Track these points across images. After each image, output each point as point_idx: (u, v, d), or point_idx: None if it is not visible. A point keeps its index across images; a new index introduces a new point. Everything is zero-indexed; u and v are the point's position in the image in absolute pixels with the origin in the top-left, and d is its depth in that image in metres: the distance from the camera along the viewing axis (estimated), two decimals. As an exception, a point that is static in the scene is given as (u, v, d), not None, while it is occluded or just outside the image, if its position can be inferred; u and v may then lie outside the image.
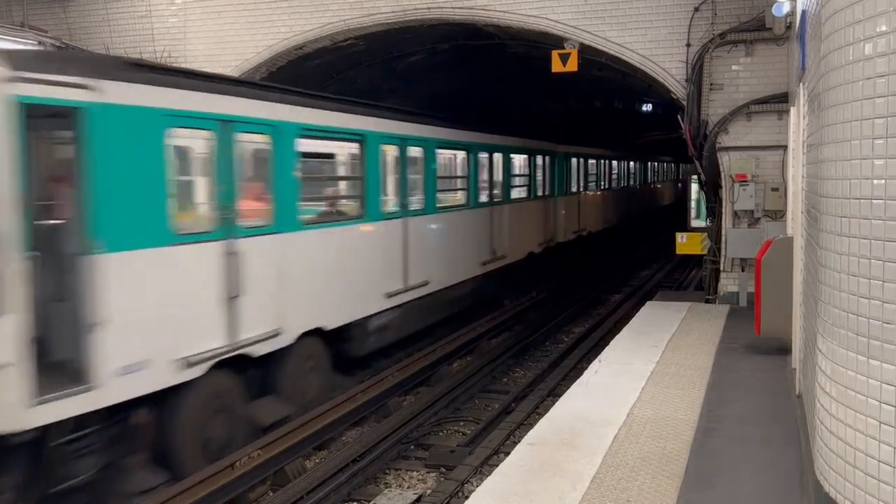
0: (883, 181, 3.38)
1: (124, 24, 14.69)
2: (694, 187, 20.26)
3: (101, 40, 14.51)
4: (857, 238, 3.57)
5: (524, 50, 15.02)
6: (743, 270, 11.94)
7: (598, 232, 23.67)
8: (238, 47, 14.12)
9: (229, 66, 13.93)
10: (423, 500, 7.11)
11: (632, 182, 31.51)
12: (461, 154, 13.94)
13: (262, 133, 8.32)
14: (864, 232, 3.51)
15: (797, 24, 7.17)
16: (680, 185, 44.07)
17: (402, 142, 11.35)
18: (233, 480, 6.79)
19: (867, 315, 3.50)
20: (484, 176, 14.63)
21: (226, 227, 7.57)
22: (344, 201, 10.75)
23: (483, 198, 14.48)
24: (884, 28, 3.34)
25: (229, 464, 6.96)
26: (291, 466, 7.48)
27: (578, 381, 7.89)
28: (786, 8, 8.79)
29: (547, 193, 18.56)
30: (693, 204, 21.50)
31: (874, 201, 3.43)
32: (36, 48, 7.30)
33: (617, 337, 9.92)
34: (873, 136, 3.44)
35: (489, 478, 5.49)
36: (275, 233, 8.34)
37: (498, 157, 15.36)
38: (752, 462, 5.65)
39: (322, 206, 10.14)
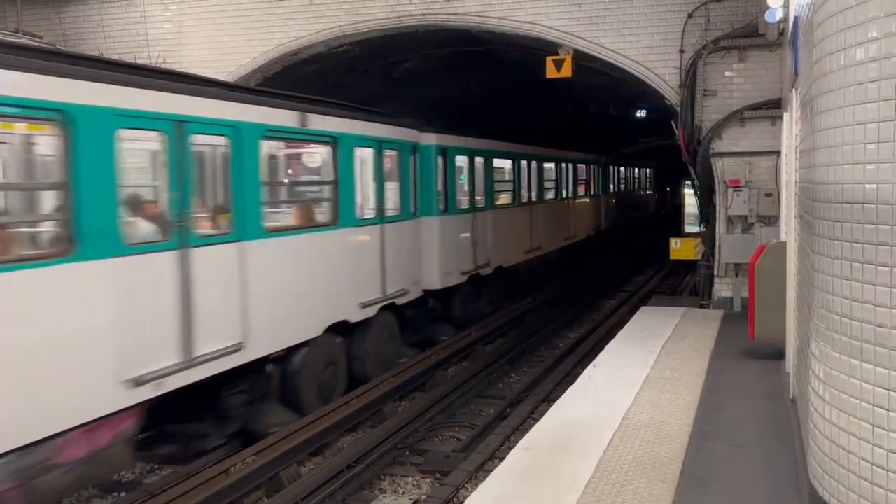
0: (875, 185, 3.40)
1: (119, 30, 14.70)
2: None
3: (95, 45, 14.50)
4: (850, 242, 3.59)
5: (519, 56, 15.08)
6: (737, 275, 11.98)
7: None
8: (233, 53, 14.13)
9: (224, 71, 13.93)
10: (419, 505, 7.10)
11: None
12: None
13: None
14: (857, 236, 3.53)
15: (790, 30, 7.21)
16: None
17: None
18: (228, 486, 6.77)
19: (860, 319, 3.52)
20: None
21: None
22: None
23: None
24: (875, 34, 3.36)
25: (224, 469, 6.95)
26: (286, 472, 7.46)
27: (573, 385, 7.90)
28: (779, 14, 8.82)
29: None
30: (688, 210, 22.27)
31: (866, 205, 3.45)
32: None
33: (612, 342, 9.94)
34: (865, 140, 3.46)
35: (484, 482, 5.50)
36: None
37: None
38: (747, 466, 5.67)
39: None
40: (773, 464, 5.67)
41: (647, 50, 12.31)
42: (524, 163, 17.27)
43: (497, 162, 15.83)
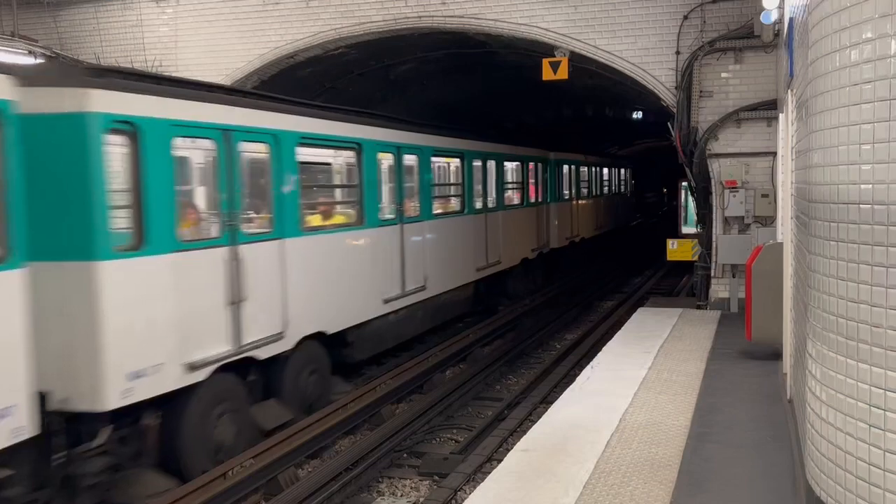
0: (870, 186, 3.41)
1: (115, 34, 14.70)
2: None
3: (91, 49, 14.50)
4: (846, 243, 3.60)
5: (516, 58, 15.09)
6: (734, 276, 11.99)
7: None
8: (229, 56, 14.14)
9: (221, 75, 13.94)
10: (417, 507, 7.09)
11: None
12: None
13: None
14: (853, 236, 3.54)
15: (785, 32, 7.23)
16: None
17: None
18: (225, 489, 6.76)
19: (856, 319, 3.52)
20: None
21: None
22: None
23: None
24: (869, 35, 3.37)
25: (222, 473, 6.94)
26: (284, 475, 7.45)
27: (571, 387, 7.91)
28: (774, 15, 8.85)
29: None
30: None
31: (862, 206, 3.46)
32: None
33: (609, 343, 9.95)
34: (860, 141, 3.47)
35: (482, 484, 5.50)
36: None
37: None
38: (744, 467, 5.67)
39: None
40: (771, 464, 5.68)
41: (643, 52, 12.34)
42: (386, 157, 11.23)
43: (313, 153, 10.22)
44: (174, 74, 13.58)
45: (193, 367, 7.14)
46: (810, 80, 4.15)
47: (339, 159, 11.30)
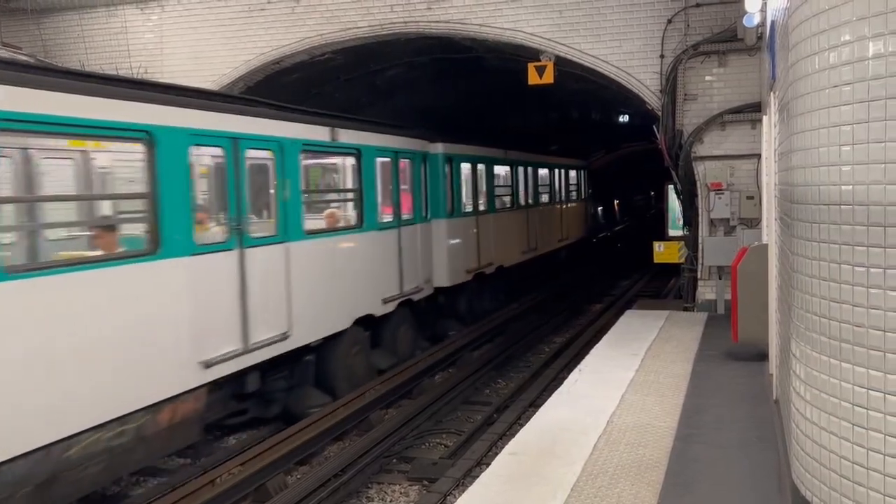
0: (850, 187, 3.44)
1: (100, 41, 14.64)
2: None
3: (76, 57, 14.44)
4: (828, 243, 3.63)
5: (502, 63, 15.14)
6: (720, 278, 12.05)
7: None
8: (215, 63, 14.11)
9: (206, 81, 13.90)
10: (406, 512, 7.08)
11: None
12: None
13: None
14: (834, 237, 3.57)
15: (767, 35, 7.28)
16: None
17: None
18: (214, 497, 6.74)
19: (839, 319, 3.55)
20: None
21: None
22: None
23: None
24: (848, 37, 3.41)
25: (210, 480, 6.91)
26: (273, 482, 7.43)
27: (559, 390, 7.92)
28: (756, 19, 8.90)
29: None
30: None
31: (843, 207, 3.49)
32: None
33: (597, 346, 9.98)
34: (840, 143, 3.50)
35: (471, 487, 5.50)
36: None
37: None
38: (731, 467, 5.70)
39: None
40: (757, 465, 5.71)
41: (627, 55, 12.39)
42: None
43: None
44: (160, 80, 13.53)
45: None
46: (791, 83, 4.19)
47: None
